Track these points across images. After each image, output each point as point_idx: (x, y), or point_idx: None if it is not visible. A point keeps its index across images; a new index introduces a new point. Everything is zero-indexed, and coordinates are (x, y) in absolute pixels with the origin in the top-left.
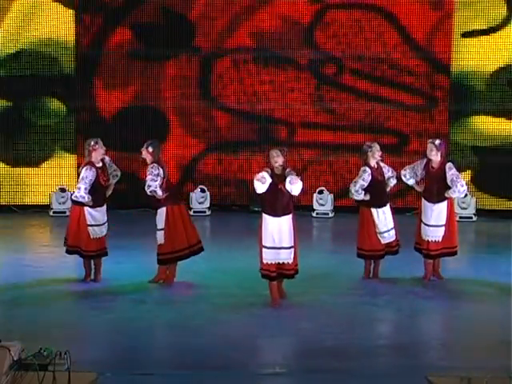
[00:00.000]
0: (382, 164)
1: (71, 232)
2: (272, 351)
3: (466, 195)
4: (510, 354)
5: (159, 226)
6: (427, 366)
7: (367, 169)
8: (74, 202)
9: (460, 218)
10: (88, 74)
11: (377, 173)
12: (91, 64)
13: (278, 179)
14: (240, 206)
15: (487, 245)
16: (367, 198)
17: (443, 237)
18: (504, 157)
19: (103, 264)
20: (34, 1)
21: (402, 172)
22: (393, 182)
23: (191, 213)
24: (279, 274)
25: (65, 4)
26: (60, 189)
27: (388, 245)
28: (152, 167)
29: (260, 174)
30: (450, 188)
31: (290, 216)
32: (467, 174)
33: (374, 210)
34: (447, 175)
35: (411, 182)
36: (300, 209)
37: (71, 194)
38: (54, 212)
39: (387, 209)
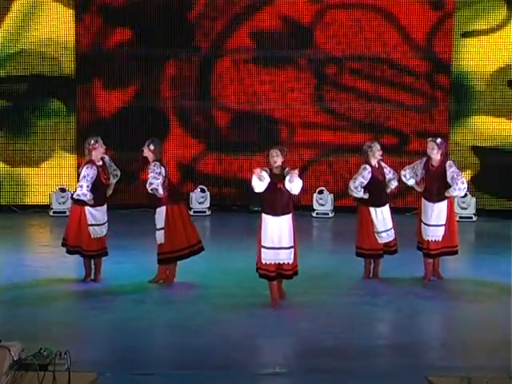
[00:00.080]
0: (383, 164)
1: (72, 232)
2: (272, 351)
3: (465, 195)
4: (510, 353)
5: (159, 226)
6: (427, 366)
7: (367, 167)
8: (75, 202)
9: (460, 217)
10: (88, 73)
11: (377, 172)
12: (91, 64)
13: (277, 179)
14: (240, 206)
15: (487, 245)
16: (366, 196)
17: (443, 236)
18: (504, 157)
19: (103, 264)
20: (34, 1)
21: (402, 172)
22: (394, 184)
23: (191, 213)
24: (278, 274)
25: (65, 4)
26: (60, 189)
27: (386, 244)
28: (154, 165)
29: (258, 169)
30: (450, 187)
31: (290, 216)
32: (467, 174)
33: (372, 209)
34: (447, 173)
35: (411, 182)
36: (300, 209)
37: (72, 194)
38: (54, 212)
39: (386, 209)
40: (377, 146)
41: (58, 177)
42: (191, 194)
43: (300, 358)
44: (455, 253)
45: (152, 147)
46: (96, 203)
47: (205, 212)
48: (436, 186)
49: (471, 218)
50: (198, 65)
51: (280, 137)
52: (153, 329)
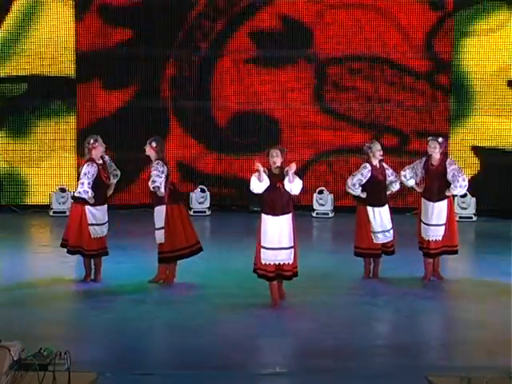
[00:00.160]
0: (385, 166)
1: (72, 232)
2: (272, 351)
3: (465, 195)
4: (510, 353)
5: (158, 225)
6: (427, 366)
7: (367, 165)
8: (76, 201)
9: (460, 217)
10: (88, 73)
11: (377, 172)
12: (91, 64)
13: (276, 179)
14: (240, 206)
15: (487, 245)
16: (364, 195)
17: (443, 236)
18: (504, 157)
19: (103, 264)
20: (34, 1)
21: (402, 173)
22: (395, 187)
23: (191, 213)
24: (278, 274)
25: (65, 4)
26: (60, 189)
27: (384, 245)
28: (157, 163)
29: (259, 164)
30: (450, 186)
31: (290, 216)
32: (467, 174)
33: (369, 209)
34: (448, 170)
35: (411, 182)
36: (300, 209)
37: (72, 194)
38: (54, 212)
39: (385, 210)
40: (377, 147)
41: (58, 177)
42: (191, 193)
43: (300, 358)
44: (455, 252)
45: (154, 144)
46: (96, 202)
47: (205, 212)
48: (436, 185)
49: (471, 217)
50: (198, 65)
51: (280, 137)
52: (153, 329)
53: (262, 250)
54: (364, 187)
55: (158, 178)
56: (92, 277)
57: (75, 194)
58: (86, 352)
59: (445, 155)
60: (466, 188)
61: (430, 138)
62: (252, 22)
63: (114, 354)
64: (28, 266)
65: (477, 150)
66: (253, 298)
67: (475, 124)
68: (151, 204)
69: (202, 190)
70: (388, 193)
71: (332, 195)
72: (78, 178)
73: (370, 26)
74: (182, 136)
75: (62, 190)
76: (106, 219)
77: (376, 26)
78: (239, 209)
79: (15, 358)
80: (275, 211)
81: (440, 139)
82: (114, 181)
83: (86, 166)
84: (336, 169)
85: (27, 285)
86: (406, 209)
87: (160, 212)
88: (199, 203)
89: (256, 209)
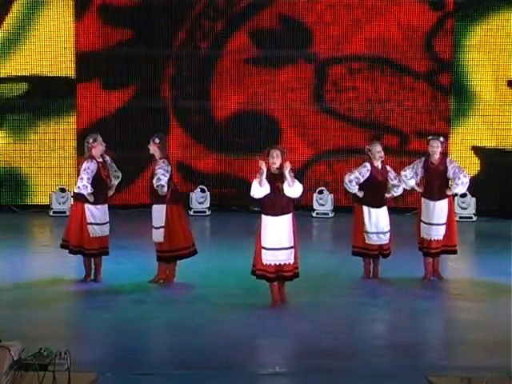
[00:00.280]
0: (389, 168)
1: (73, 232)
2: (272, 351)
3: (465, 195)
4: (510, 353)
5: (158, 224)
6: (427, 366)
7: (367, 164)
8: (76, 199)
9: (460, 217)
10: (88, 73)
11: (378, 173)
12: (91, 64)
13: (276, 179)
14: (240, 206)
15: (487, 245)
16: (360, 194)
17: (443, 235)
18: (504, 157)
19: (103, 264)
20: (34, 1)
21: (402, 173)
22: (397, 191)
23: (191, 213)
24: (278, 276)
25: (65, 4)
26: (60, 189)
27: (380, 246)
28: (163, 162)
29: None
30: (451, 185)
31: (290, 216)
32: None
33: (365, 208)
34: (449, 168)
35: (412, 182)
36: (300, 209)
37: (72, 193)
38: (54, 212)
39: (382, 211)
40: (376, 148)
41: (58, 177)
42: (191, 193)
43: (300, 358)
44: (454, 252)
45: (157, 141)
46: (96, 201)
47: (205, 212)
48: (437, 184)
49: (471, 217)
50: (198, 65)
51: (280, 137)
52: (153, 329)
53: (263, 250)
54: (362, 187)
55: (163, 177)
56: (92, 277)
57: (75, 190)
58: (86, 352)
59: (444, 154)
60: (468, 185)
61: (430, 137)
62: (252, 22)
63: (114, 354)
64: (28, 266)
65: (477, 150)
66: (253, 297)
67: (475, 124)
68: (151, 202)
69: (202, 190)
70: (388, 196)
71: (332, 195)
72: (79, 175)
73: (370, 26)
74: (182, 136)
75: (62, 190)
76: (107, 219)
77: (376, 26)
78: (239, 209)
79: (15, 358)
80: (275, 211)
81: (441, 138)
82: (115, 182)
83: (85, 162)
84: (336, 169)
85: (27, 285)
86: (406, 209)
87: (159, 211)
88: (199, 203)
89: (256, 209)
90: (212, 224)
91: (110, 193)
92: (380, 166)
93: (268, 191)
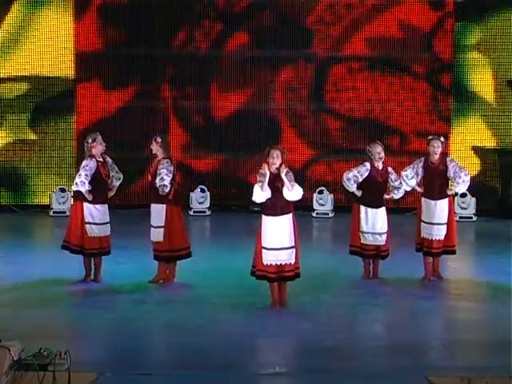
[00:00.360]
0: (391, 170)
1: (73, 232)
2: (272, 351)
3: (465, 195)
4: (510, 353)
5: (157, 224)
6: (427, 366)
7: (367, 164)
8: (76, 198)
9: (460, 217)
10: (88, 73)
11: (377, 173)
12: (91, 64)
13: (276, 178)
14: (240, 206)
15: (487, 245)
16: (358, 193)
17: (444, 235)
18: (504, 157)
19: (103, 264)
20: (34, 1)
21: (403, 173)
22: (397, 194)
23: (191, 213)
24: (279, 276)
25: (65, 4)
26: (60, 189)
27: (378, 247)
28: (167, 162)
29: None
30: (451, 184)
31: (290, 216)
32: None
33: (362, 208)
34: (449, 167)
35: (413, 182)
36: (300, 209)
37: (72, 193)
38: (54, 212)
39: (380, 212)
40: (375, 149)
41: (58, 177)
42: (191, 193)
43: (300, 357)
44: (453, 252)
45: (159, 140)
46: (96, 200)
47: (205, 212)
48: (437, 184)
49: (471, 217)
50: (199, 65)
51: (280, 137)
52: (153, 329)
53: (263, 250)
54: (361, 186)
55: (166, 177)
56: (92, 277)
57: (73, 188)
58: (86, 352)
59: (444, 154)
60: (469, 184)
61: (430, 137)
62: (252, 22)
63: (114, 354)
64: (28, 265)
65: (477, 150)
66: (253, 297)
67: (475, 124)
68: (151, 201)
69: (202, 190)
70: (387, 197)
71: (332, 195)
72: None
73: (370, 26)
74: (182, 136)
75: (62, 190)
76: (107, 219)
77: (376, 26)
78: (239, 209)
79: (15, 358)
80: (275, 211)
81: (442, 138)
82: (116, 184)
83: (84, 160)
84: (336, 169)
85: (27, 285)
86: (405, 209)
87: (159, 210)
88: (199, 203)
89: (256, 209)
90: (212, 224)
91: (111, 193)
92: (380, 167)
93: (269, 195)
